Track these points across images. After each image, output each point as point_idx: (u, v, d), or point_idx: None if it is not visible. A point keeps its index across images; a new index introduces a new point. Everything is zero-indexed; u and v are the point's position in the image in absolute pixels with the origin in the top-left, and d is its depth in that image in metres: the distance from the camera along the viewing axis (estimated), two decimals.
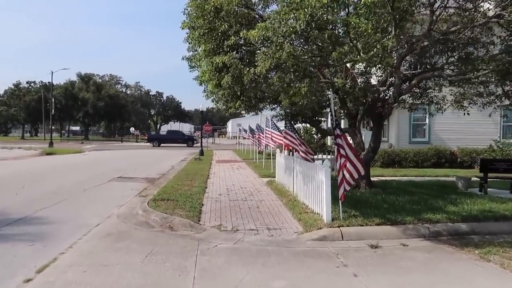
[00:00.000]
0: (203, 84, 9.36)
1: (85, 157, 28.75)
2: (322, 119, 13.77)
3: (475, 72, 9.13)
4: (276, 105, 10.71)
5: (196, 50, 9.21)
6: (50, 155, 29.62)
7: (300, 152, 12.36)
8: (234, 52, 7.66)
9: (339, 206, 7.85)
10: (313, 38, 6.66)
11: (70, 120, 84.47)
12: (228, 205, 9.79)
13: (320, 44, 6.72)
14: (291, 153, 12.62)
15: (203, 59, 8.46)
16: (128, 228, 7.90)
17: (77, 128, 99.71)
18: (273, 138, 16.28)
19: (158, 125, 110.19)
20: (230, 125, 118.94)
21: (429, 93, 12.45)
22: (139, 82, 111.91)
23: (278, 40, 6.45)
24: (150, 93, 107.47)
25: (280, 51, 6.27)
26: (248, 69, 7.13)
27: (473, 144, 22.08)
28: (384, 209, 8.53)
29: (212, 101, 10.45)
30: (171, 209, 8.99)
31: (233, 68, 7.34)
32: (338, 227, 7.40)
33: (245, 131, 34.62)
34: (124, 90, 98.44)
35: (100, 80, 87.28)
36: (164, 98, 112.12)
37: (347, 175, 7.78)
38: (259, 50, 7.40)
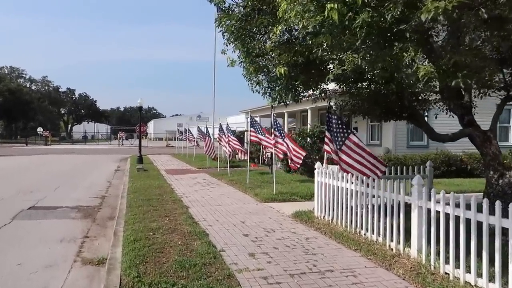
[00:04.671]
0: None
1: None
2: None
3: None
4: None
5: None
6: None
7: (358, 167, 7.41)
8: None
9: None
10: None
11: None
12: None
13: None
14: (330, 167, 7.54)
15: None
16: None
17: None
18: (278, 145, 11.08)
19: (70, 125, 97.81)
20: (152, 126, 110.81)
21: None
22: (46, 76, 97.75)
23: None
24: (59, 90, 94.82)
25: None
26: None
27: (474, 148, 18.90)
28: None
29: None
30: None
31: None
32: None
33: (191, 132, 28.84)
34: (28, 85, 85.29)
35: None
36: (76, 95, 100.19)
37: None
38: None
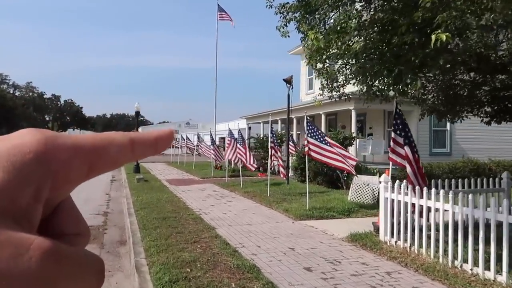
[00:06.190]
0: None
1: None
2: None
3: None
4: None
5: None
6: None
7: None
8: None
9: None
10: None
11: None
12: None
13: None
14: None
15: None
16: None
17: None
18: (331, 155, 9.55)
19: None
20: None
21: None
22: (31, 82, 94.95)
23: None
24: (44, 96, 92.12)
25: None
26: None
27: (501, 155, 17.82)
28: None
29: None
30: None
31: None
32: None
33: (189, 139, 27.24)
34: (12, 91, 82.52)
35: None
36: (62, 102, 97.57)
37: None
38: None
